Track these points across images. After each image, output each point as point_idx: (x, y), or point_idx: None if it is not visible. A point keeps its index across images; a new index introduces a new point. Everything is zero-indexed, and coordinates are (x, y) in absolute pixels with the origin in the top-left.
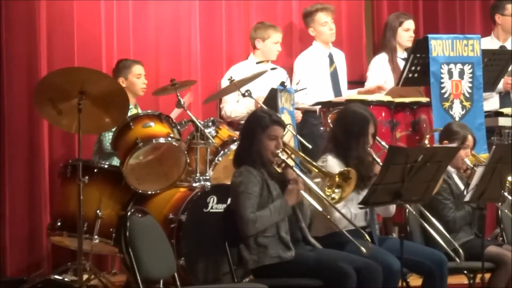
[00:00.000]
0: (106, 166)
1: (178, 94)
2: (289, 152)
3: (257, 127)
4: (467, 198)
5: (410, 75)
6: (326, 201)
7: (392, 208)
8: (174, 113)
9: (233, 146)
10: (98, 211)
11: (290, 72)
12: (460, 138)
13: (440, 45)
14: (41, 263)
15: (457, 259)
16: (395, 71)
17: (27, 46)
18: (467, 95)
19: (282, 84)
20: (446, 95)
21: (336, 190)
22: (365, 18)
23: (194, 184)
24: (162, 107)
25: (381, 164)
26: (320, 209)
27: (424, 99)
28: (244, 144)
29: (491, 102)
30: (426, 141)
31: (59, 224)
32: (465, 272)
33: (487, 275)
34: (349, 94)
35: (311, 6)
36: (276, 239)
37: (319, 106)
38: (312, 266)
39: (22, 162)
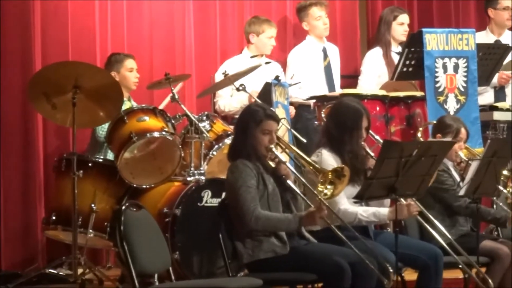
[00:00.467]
0: (100, 160)
1: (173, 88)
2: (283, 147)
3: (251, 121)
4: (461, 192)
5: (404, 69)
6: (317, 198)
7: (387, 202)
8: (164, 103)
9: (228, 140)
10: (92, 205)
11: (284, 66)
12: (453, 131)
13: (434, 39)
14: (36, 257)
15: (454, 255)
16: (389, 65)
17: (21, 41)
18: (462, 89)
19: (276, 78)
20: (440, 89)
21: (329, 187)
22: (359, 12)
23: (188, 178)
24: (156, 101)
25: (375, 158)
26: (312, 206)
27: (418, 93)
28: (239, 138)
29: (486, 96)
30: (419, 134)
31: (53, 218)
32: (460, 266)
33: (483, 269)
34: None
35: (305, 0)
36: (271, 233)
37: (313, 100)
38: (306, 260)
39: (17, 156)
